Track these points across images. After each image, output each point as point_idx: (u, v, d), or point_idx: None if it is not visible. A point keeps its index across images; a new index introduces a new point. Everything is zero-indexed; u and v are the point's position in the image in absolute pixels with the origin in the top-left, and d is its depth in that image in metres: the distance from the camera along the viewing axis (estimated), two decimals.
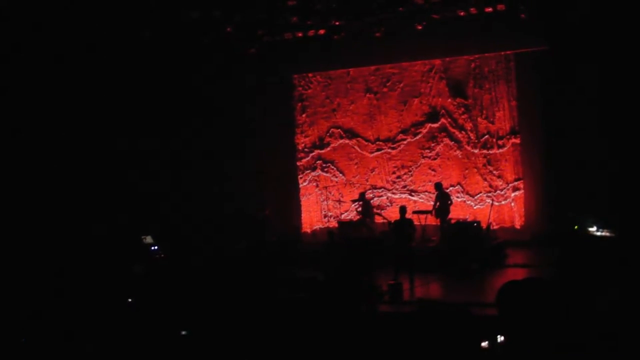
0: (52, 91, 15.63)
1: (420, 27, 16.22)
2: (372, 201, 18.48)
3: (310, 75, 19.56)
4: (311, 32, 17.39)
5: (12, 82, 14.92)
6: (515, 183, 17.38)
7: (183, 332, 9.27)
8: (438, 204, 16.68)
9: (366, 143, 19.00)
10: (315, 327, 9.41)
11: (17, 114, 15.20)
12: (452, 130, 17.98)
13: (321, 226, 19.37)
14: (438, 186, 16.90)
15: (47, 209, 15.24)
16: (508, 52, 17.30)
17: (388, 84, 18.68)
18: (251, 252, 16.09)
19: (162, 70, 17.21)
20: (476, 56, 17.62)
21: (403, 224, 14.29)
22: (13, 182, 14.96)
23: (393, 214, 16.67)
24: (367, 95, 18.90)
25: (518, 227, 17.22)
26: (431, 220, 16.83)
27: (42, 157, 15.52)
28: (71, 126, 15.99)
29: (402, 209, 14.42)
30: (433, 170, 18.24)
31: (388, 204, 18.67)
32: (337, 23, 16.79)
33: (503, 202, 17.46)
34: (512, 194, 17.38)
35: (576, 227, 13.56)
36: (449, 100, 17.99)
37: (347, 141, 19.21)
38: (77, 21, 14.96)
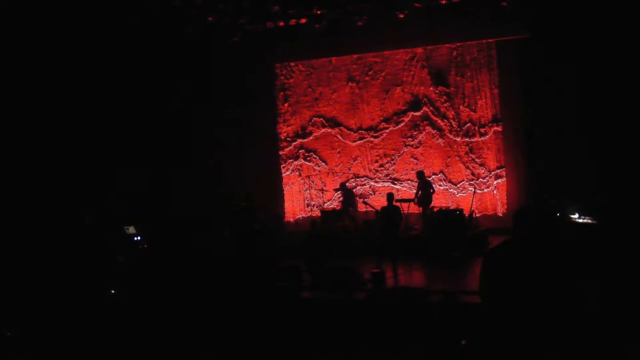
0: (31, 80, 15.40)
1: (402, 16, 16.22)
2: (354, 190, 18.51)
3: (292, 64, 19.49)
4: (293, 21, 17.31)
5: None
6: (498, 171, 17.47)
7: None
8: (420, 192, 16.74)
9: (348, 132, 18.99)
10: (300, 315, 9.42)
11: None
12: (434, 118, 18.01)
13: (304, 215, 19.36)
14: (420, 175, 16.93)
15: (33, 200, 15.06)
16: (490, 40, 17.33)
17: (370, 73, 18.67)
18: (235, 242, 16.03)
19: (142, 61, 17.05)
20: (458, 44, 17.66)
21: (391, 211, 14.27)
22: None
23: (376, 203, 16.71)
24: (350, 84, 18.88)
25: (500, 214, 17.31)
26: (414, 209, 16.88)
27: (27, 147, 15.32)
28: (56, 118, 15.80)
29: (390, 196, 14.41)
30: (415, 158, 18.28)
31: (371, 192, 18.69)
32: (318, 12, 16.71)
33: (485, 190, 17.56)
34: (495, 182, 17.47)
35: (558, 214, 13.61)
36: (431, 88, 18.02)
37: (329, 130, 19.19)
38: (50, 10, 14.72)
